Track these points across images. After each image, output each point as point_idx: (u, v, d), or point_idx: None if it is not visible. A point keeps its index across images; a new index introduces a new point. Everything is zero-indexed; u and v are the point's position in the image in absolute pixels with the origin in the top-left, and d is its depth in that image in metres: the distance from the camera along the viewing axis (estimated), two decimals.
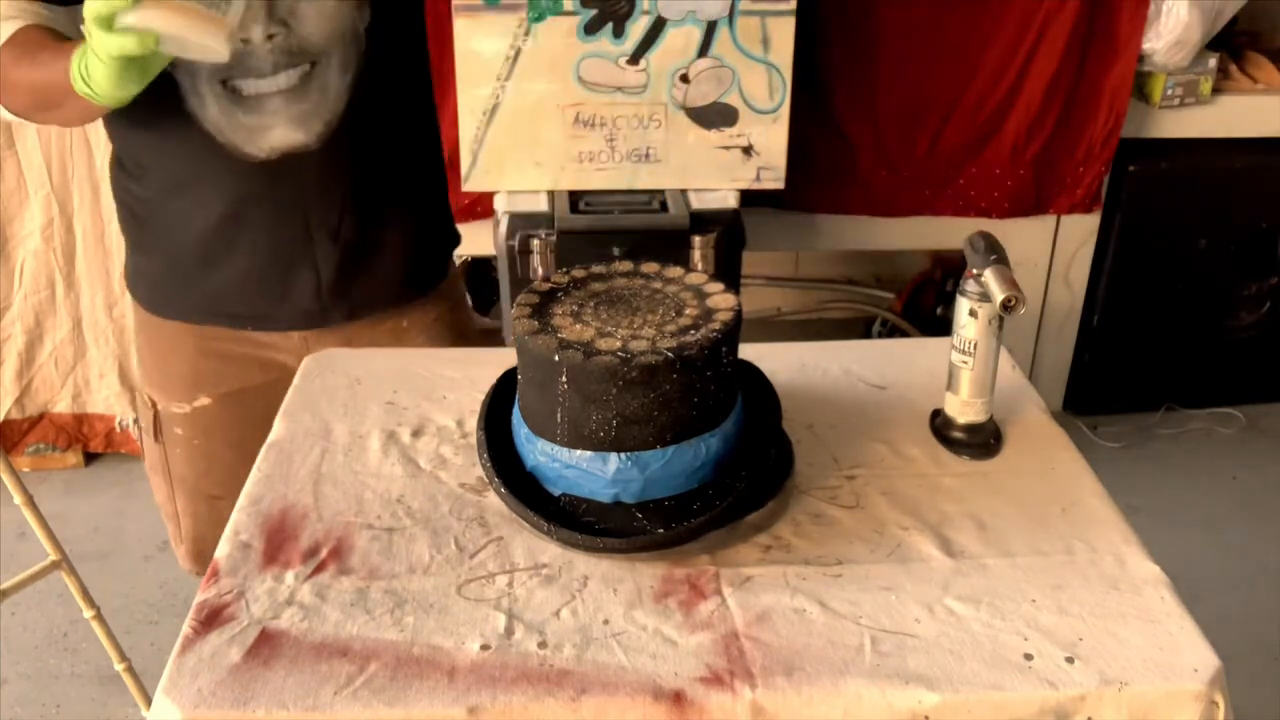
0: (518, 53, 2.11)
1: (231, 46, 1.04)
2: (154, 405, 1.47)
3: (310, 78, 1.22)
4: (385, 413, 1.22)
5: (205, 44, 1.03)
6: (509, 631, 0.91)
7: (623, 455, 0.98)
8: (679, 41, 2.13)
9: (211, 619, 0.92)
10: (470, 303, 1.69)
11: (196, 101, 1.22)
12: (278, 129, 1.23)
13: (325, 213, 1.33)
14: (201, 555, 1.49)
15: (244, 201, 1.31)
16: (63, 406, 2.74)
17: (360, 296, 1.41)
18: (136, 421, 2.76)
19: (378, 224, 1.38)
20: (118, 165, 1.37)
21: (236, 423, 1.41)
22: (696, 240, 2.17)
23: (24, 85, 1.15)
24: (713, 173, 2.23)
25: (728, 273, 2.20)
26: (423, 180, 1.48)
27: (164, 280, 1.40)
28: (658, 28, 2.12)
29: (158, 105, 1.19)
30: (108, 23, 0.97)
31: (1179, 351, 2.98)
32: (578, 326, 1.00)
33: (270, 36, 1.18)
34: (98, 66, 1.02)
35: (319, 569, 0.98)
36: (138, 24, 0.99)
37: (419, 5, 1.40)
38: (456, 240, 1.58)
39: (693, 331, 0.99)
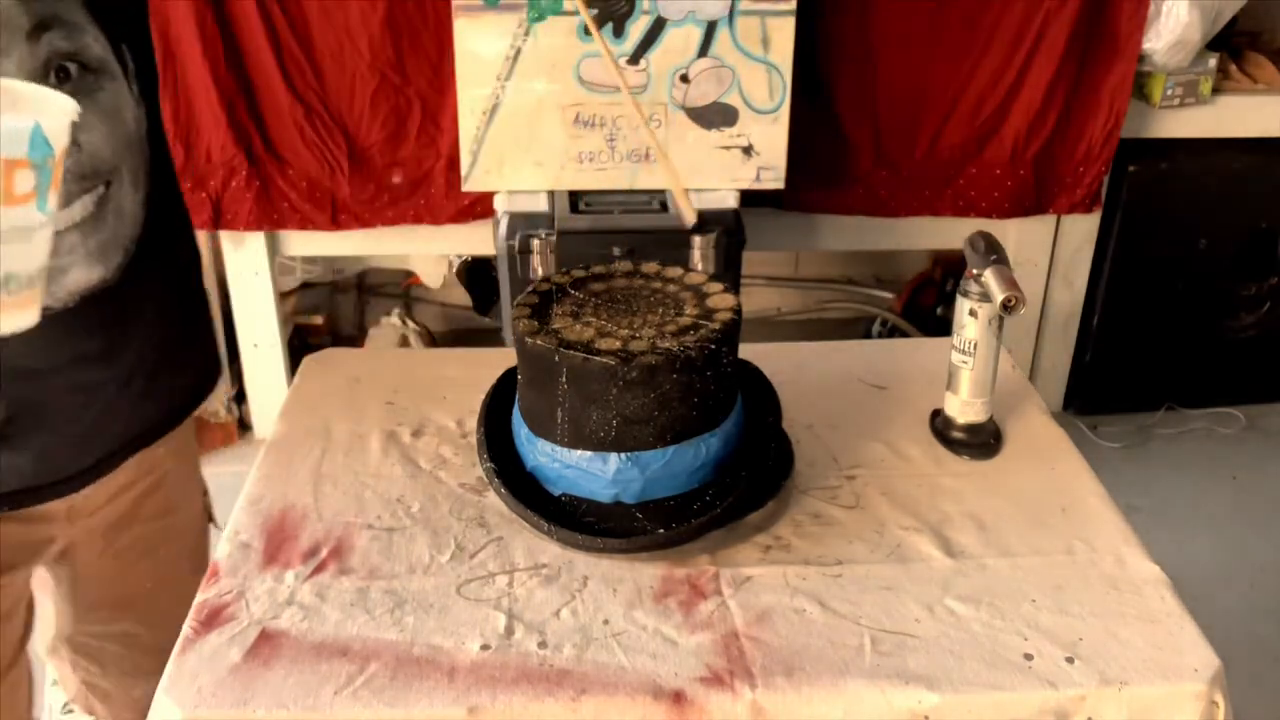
0: (518, 53, 2.11)
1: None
2: None
3: (105, 200, 0.99)
4: (385, 413, 1.22)
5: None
6: (509, 631, 0.91)
7: (623, 455, 0.98)
8: (679, 41, 2.13)
9: (211, 619, 0.92)
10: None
11: None
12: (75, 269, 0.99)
13: None
14: None
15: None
16: None
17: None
18: None
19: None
20: None
21: None
22: (696, 240, 2.17)
23: None
24: (713, 173, 2.23)
25: (728, 273, 2.20)
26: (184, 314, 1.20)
27: None
28: (658, 28, 2.12)
29: None
30: None
31: (1179, 351, 2.98)
32: (578, 326, 1.00)
33: None
34: None
35: (319, 569, 0.98)
36: None
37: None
38: (212, 379, 1.25)
39: (692, 331, 0.99)
